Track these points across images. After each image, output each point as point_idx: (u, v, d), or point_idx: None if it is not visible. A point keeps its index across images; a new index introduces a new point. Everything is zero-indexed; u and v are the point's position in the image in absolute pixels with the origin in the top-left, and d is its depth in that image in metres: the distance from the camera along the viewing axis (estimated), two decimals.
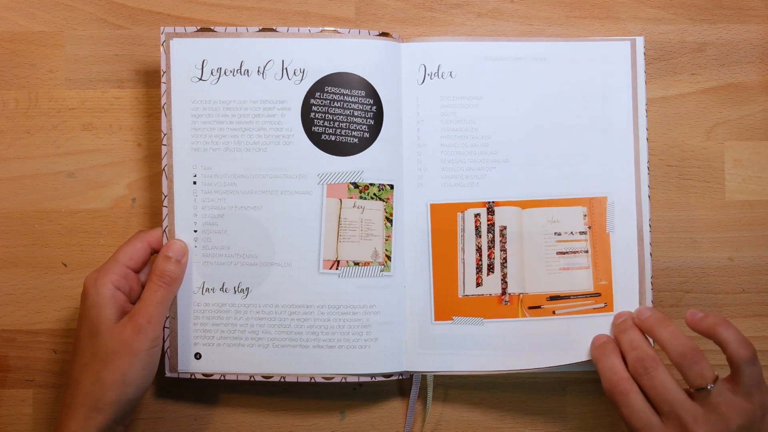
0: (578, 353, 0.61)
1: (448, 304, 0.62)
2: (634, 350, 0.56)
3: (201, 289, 0.60)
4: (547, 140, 0.62)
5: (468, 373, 0.62)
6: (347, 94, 0.61)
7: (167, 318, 0.60)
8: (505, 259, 0.62)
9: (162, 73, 0.60)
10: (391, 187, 0.61)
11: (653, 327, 0.57)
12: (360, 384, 0.65)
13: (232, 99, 0.61)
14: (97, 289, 0.56)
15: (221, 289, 0.61)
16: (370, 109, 0.61)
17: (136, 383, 0.55)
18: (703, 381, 0.54)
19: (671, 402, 0.54)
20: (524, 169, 0.62)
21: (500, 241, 0.62)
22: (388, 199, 0.61)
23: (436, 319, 0.62)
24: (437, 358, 0.62)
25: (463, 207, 0.62)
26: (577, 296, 0.62)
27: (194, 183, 0.60)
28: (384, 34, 0.62)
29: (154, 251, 0.60)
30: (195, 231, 0.61)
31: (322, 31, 0.61)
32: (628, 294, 0.62)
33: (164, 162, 0.60)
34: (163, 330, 0.59)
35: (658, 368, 0.55)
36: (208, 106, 0.61)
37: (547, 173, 0.62)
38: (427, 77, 0.62)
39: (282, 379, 0.60)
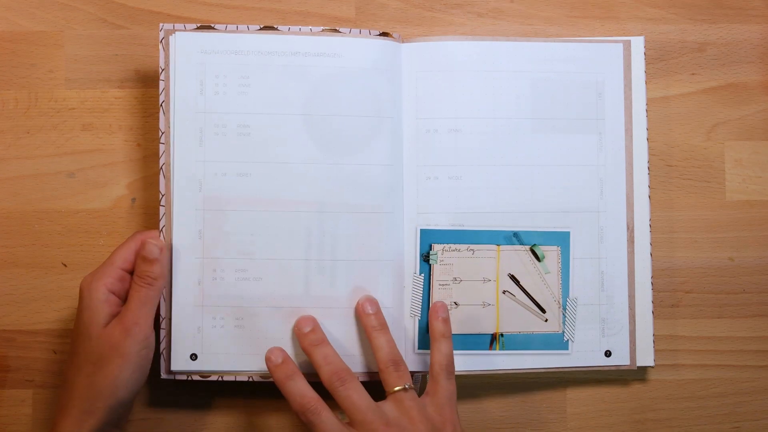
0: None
1: None
2: (328, 365, 0.57)
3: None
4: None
5: (468, 373, 0.62)
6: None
7: (162, 319, 0.60)
8: None
9: (161, 70, 0.60)
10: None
11: (371, 334, 0.58)
12: None
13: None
14: (90, 293, 0.56)
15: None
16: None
17: (128, 386, 0.55)
18: (401, 382, 0.56)
19: (364, 409, 0.55)
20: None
21: None
22: None
23: None
24: None
25: None
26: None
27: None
28: (384, 34, 0.62)
29: None
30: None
31: (322, 30, 0.61)
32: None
33: (162, 161, 0.60)
34: (159, 331, 0.59)
35: (354, 380, 0.56)
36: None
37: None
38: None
39: None
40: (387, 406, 0.56)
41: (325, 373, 0.56)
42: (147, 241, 0.58)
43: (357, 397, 0.55)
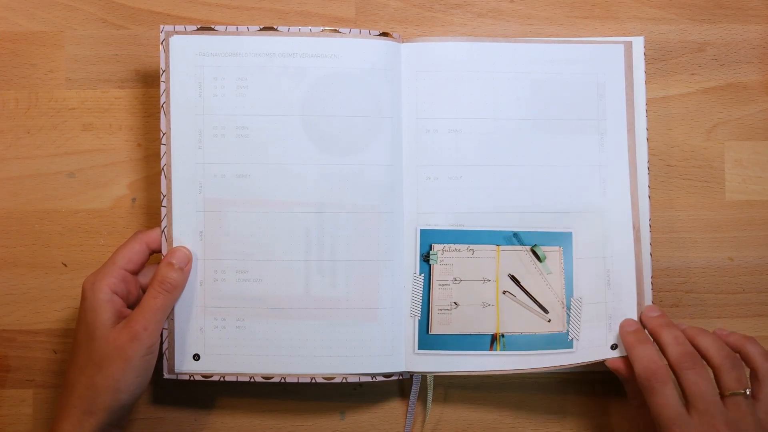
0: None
1: None
2: (680, 345, 0.57)
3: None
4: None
5: (468, 373, 0.62)
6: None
7: (165, 319, 0.60)
8: None
9: (161, 71, 0.60)
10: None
11: (696, 335, 0.58)
12: (360, 384, 0.65)
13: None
14: (94, 293, 0.56)
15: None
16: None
17: (129, 389, 0.55)
18: (741, 386, 0.55)
19: (708, 401, 0.54)
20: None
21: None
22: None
23: None
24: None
25: None
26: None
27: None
28: (384, 34, 0.62)
29: (153, 252, 0.60)
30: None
31: (322, 30, 0.61)
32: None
33: (163, 161, 0.60)
34: (161, 334, 0.59)
35: (704, 367, 0.56)
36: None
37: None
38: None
39: (282, 380, 0.60)
40: (726, 406, 0.55)
41: (675, 353, 0.56)
42: (179, 248, 0.59)
43: (705, 385, 0.54)
